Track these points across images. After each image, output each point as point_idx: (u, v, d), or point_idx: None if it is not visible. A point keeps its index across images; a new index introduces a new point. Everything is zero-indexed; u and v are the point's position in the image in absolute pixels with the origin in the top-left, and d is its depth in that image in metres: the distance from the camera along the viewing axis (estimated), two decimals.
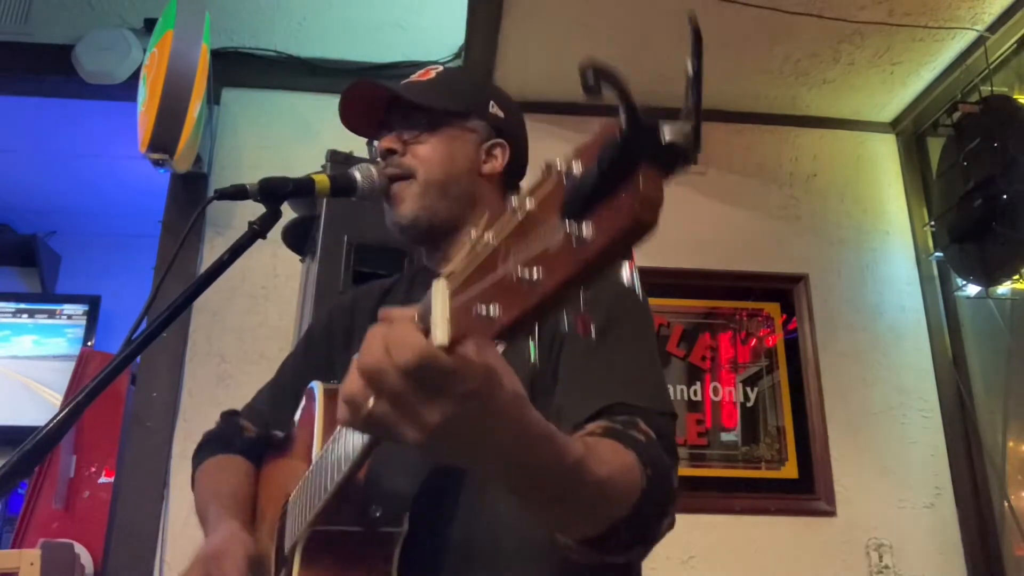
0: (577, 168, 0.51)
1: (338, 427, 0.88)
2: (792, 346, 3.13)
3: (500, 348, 0.64)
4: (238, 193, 1.07)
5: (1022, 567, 2.82)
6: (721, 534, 2.87)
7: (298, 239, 2.45)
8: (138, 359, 2.62)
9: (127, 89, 3.13)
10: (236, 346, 2.99)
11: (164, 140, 2.83)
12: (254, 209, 1.11)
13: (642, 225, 0.48)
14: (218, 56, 3.19)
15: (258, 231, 1.08)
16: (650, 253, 3.49)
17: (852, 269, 3.26)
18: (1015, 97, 2.81)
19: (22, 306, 4.36)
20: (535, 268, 0.52)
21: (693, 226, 3.24)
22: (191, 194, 3.18)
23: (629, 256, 0.51)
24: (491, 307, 0.55)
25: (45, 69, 3.30)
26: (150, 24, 3.15)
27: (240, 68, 3.33)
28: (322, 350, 1.36)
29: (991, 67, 2.87)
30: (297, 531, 1.01)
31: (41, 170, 4.46)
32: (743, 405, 3.05)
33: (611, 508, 0.84)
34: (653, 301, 3.10)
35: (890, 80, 3.17)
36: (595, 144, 0.50)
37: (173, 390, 2.93)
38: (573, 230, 0.49)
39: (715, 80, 3.20)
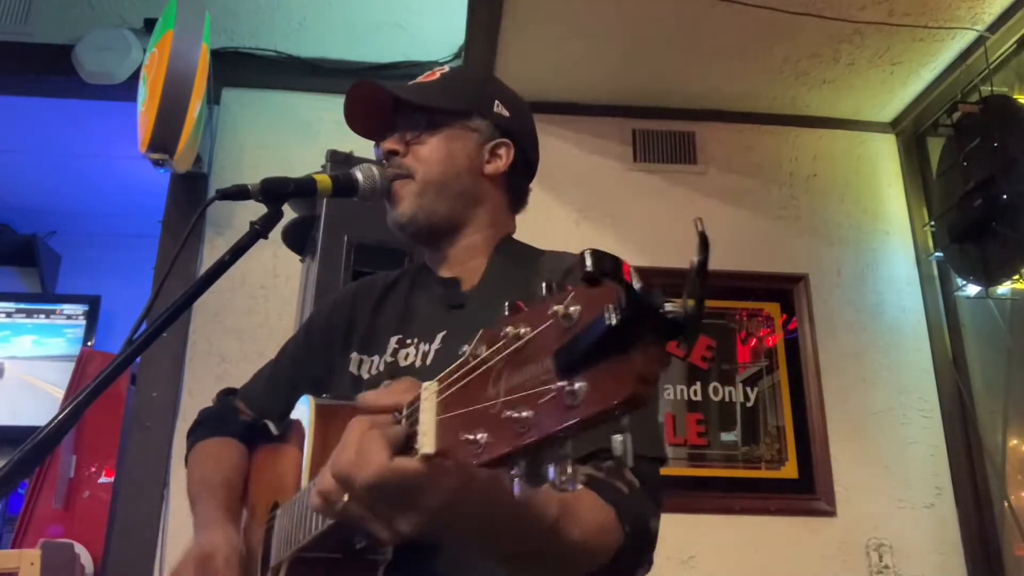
0: (575, 313, 0.51)
1: None
2: (792, 346, 3.13)
3: None
4: (239, 193, 1.07)
5: (1022, 567, 2.82)
6: (721, 534, 2.87)
7: (298, 239, 2.45)
8: (138, 359, 2.62)
9: (127, 89, 3.13)
10: (236, 346, 2.99)
11: (164, 140, 2.83)
12: (254, 209, 1.11)
13: (638, 401, 0.48)
14: (218, 56, 3.19)
15: (259, 231, 1.08)
16: (650, 253, 3.50)
17: (852, 269, 3.26)
18: (1015, 97, 2.81)
19: (22, 306, 4.36)
20: (525, 412, 0.53)
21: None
22: (191, 194, 3.18)
23: (621, 421, 0.51)
24: (478, 435, 0.56)
25: (45, 69, 3.30)
26: (150, 24, 3.15)
27: (240, 68, 3.33)
28: (322, 342, 1.35)
29: (991, 67, 2.87)
30: (282, 553, 1.02)
31: (41, 170, 4.46)
32: (743, 405, 3.05)
33: (586, 564, 0.85)
34: None
35: (890, 80, 3.16)
36: (596, 298, 0.50)
37: (173, 390, 2.93)
38: (566, 386, 0.50)
39: (715, 80, 3.20)
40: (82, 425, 3.17)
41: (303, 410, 1.11)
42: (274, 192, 1.09)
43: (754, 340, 3.14)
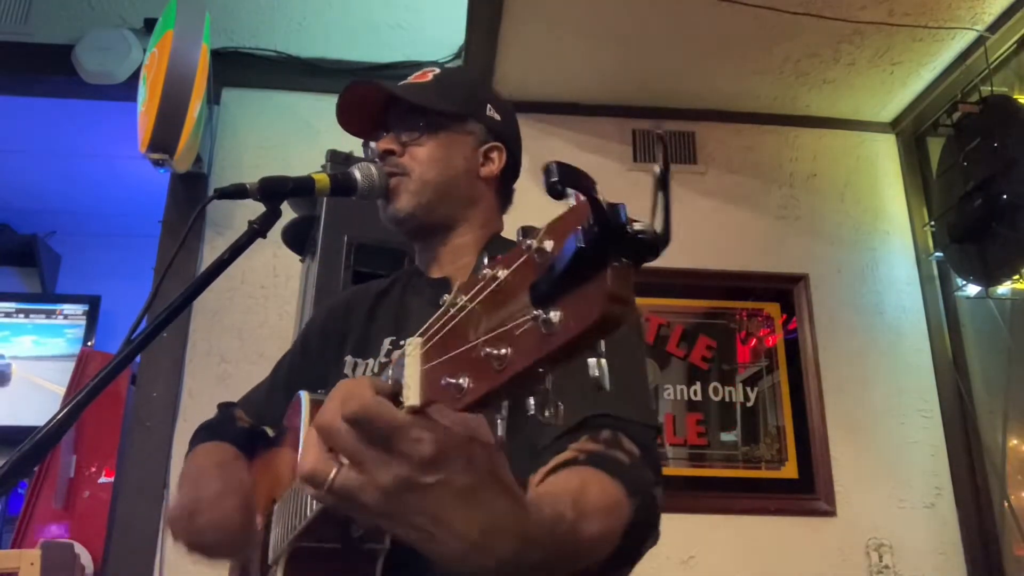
0: (548, 246, 0.51)
1: None
2: (792, 346, 3.13)
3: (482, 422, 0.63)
4: (238, 192, 1.07)
5: (1022, 567, 2.82)
6: (721, 534, 2.87)
7: (298, 239, 2.45)
8: (138, 359, 2.62)
9: (127, 89, 3.13)
10: (236, 346, 2.99)
11: (164, 140, 2.83)
12: (254, 209, 1.11)
13: (611, 321, 0.48)
14: (218, 56, 3.19)
15: (258, 230, 1.08)
16: None
17: (852, 269, 3.26)
18: (1015, 97, 2.81)
19: (22, 306, 4.36)
20: (503, 347, 0.52)
21: (693, 226, 3.24)
22: (191, 194, 3.18)
23: (597, 346, 0.51)
24: (460, 379, 0.55)
25: (45, 69, 3.30)
26: (150, 24, 3.15)
27: (240, 68, 3.33)
28: (318, 350, 1.36)
29: (991, 67, 2.87)
30: (280, 545, 1.01)
31: (41, 170, 4.46)
32: (743, 405, 3.05)
33: (600, 552, 0.83)
34: (653, 301, 3.10)
35: (890, 80, 3.16)
36: (565, 227, 0.50)
37: (173, 390, 2.93)
38: (541, 315, 0.50)
39: (715, 80, 3.20)
40: (82, 425, 3.17)
41: (299, 405, 1.11)
42: (272, 191, 1.09)
43: (754, 340, 3.14)
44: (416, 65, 3.21)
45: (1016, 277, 2.75)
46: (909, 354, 3.16)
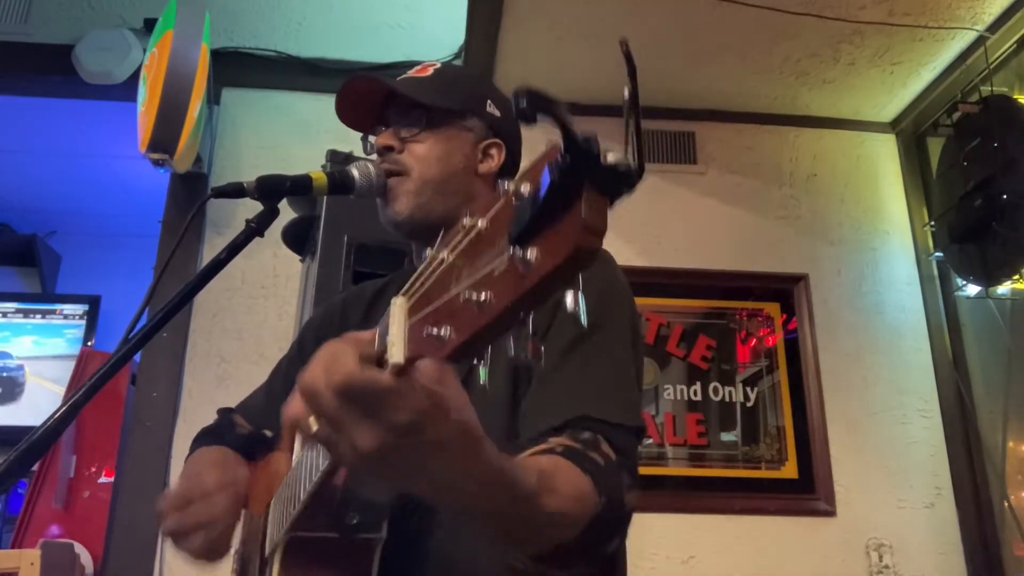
0: (526, 189, 0.51)
1: None
2: (792, 346, 3.13)
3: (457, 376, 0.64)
4: (235, 191, 1.07)
5: (1022, 567, 2.81)
6: (721, 534, 2.87)
7: (298, 239, 2.45)
8: (138, 359, 2.61)
9: (127, 89, 3.13)
10: (236, 346, 2.99)
11: (164, 140, 2.83)
12: (254, 208, 1.11)
13: (585, 252, 0.48)
14: (218, 56, 3.19)
15: (256, 229, 1.08)
16: (650, 253, 3.49)
17: (852, 269, 3.26)
18: (1015, 97, 2.81)
19: (22, 306, 4.36)
20: (483, 291, 0.52)
21: (693, 226, 3.24)
22: (191, 194, 3.18)
23: (576, 282, 0.51)
24: (442, 328, 0.55)
25: (45, 69, 3.30)
26: (150, 24, 3.15)
27: (240, 68, 3.33)
28: (313, 352, 1.35)
29: (991, 67, 2.87)
30: (277, 535, 1.01)
31: (41, 170, 4.46)
32: (743, 405, 3.05)
33: (559, 534, 0.84)
34: (653, 301, 3.10)
35: (890, 80, 3.16)
36: (540, 167, 0.50)
37: (173, 390, 2.93)
38: (518, 254, 0.49)
39: (715, 80, 3.20)
40: (82, 425, 3.17)
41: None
42: (270, 190, 1.09)
43: (754, 340, 3.14)
44: (416, 65, 3.20)
45: (1016, 277, 2.75)
46: (909, 354, 3.16)
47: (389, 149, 1.24)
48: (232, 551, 1.19)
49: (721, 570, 2.84)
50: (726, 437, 3.01)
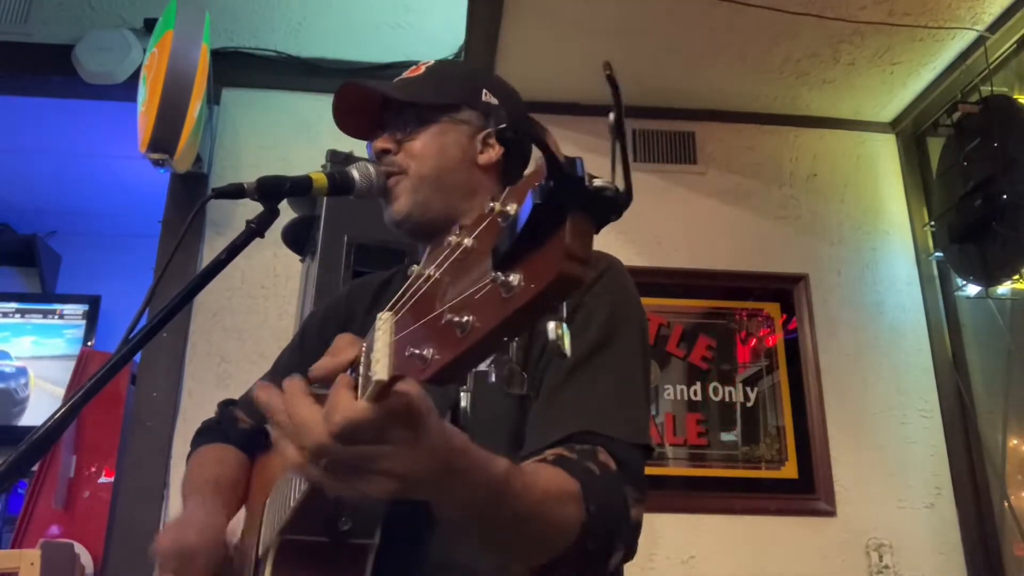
0: (511, 208, 0.50)
1: None
2: (792, 346, 3.13)
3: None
4: (235, 192, 1.07)
5: (1022, 567, 2.81)
6: (721, 534, 2.87)
7: (298, 239, 2.45)
8: (138, 359, 2.61)
9: (127, 89, 3.13)
10: (236, 346, 2.99)
11: (164, 140, 2.83)
12: (254, 208, 1.11)
13: (569, 280, 0.47)
14: (218, 56, 3.19)
15: (256, 230, 1.08)
16: (650, 253, 3.49)
17: (852, 269, 3.26)
18: (1015, 97, 2.81)
19: (22, 306, 4.36)
20: (465, 314, 0.51)
21: (693, 226, 3.24)
22: (191, 194, 3.18)
23: (559, 309, 0.50)
24: (425, 350, 0.54)
25: (45, 69, 3.30)
26: (150, 24, 3.15)
27: (240, 68, 3.33)
28: (317, 344, 1.35)
29: (991, 67, 2.87)
30: (269, 537, 1.01)
31: (41, 170, 4.46)
32: (743, 405, 3.05)
33: (547, 535, 0.83)
34: (653, 301, 3.10)
35: (890, 80, 3.16)
36: (526, 187, 0.49)
37: (173, 390, 2.93)
38: (500, 278, 0.48)
39: (715, 80, 3.20)
40: (82, 425, 3.17)
41: None
42: (270, 191, 1.08)
43: (754, 340, 3.14)
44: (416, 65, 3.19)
45: (1016, 277, 2.75)
46: (909, 354, 3.16)
47: (386, 152, 1.23)
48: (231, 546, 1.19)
49: (721, 570, 2.84)
50: (726, 437, 3.01)
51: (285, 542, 0.95)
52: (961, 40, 2.92)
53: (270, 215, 1.08)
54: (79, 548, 2.86)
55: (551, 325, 0.50)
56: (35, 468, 3.08)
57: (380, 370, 0.59)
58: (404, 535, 0.98)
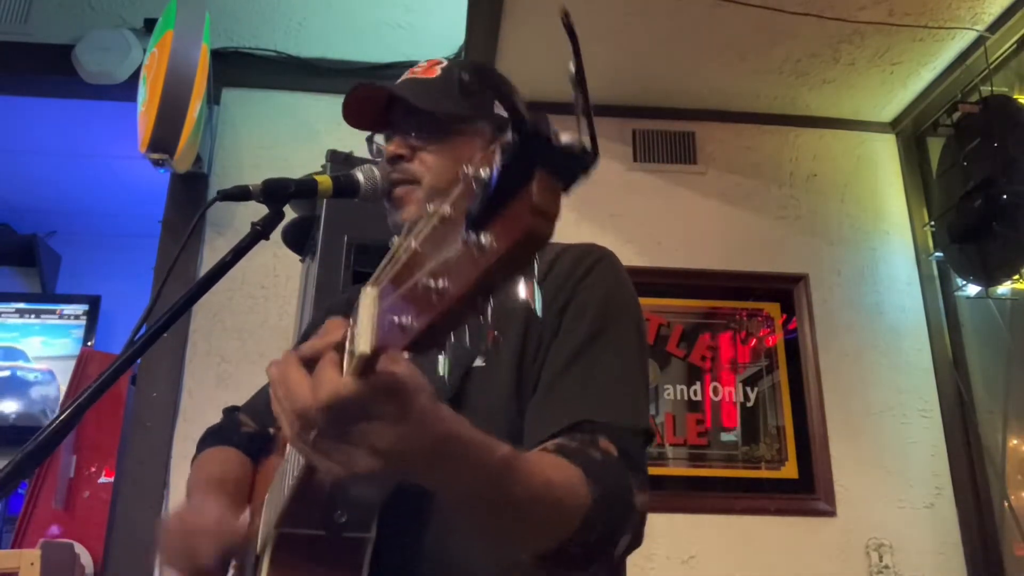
0: (484, 173, 0.50)
1: None
2: (792, 346, 3.13)
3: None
4: (241, 194, 1.07)
5: (1022, 567, 2.82)
6: (721, 534, 2.87)
7: (298, 239, 2.45)
8: (138, 359, 2.61)
9: (127, 89, 3.13)
10: (236, 346, 2.99)
11: (164, 140, 2.83)
12: (254, 209, 1.11)
13: (536, 236, 0.47)
14: (218, 56, 3.19)
15: (261, 232, 1.08)
16: (650, 253, 3.49)
17: (852, 269, 3.26)
18: (1015, 97, 2.81)
19: (23, 306, 4.36)
20: (440, 278, 0.52)
21: (693, 226, 3.24)
22: (191, 194, 3.18)
23: (531, 267, 0.50)
24: (405, 317, 0.55)
25: (45, 69, 3.30)
26: (150, 24, 3.15)
27: (240, 68, 3.33)
28: None
29: (991, 67, 2.87)
30: (267, 532, 1.01)
31: (41, 170, 4.46)
32: (743, 405, 3.05)
33: (551, 521, 0.83)
34: (653, 301, 3.10)
35: (890, 80, 3.17)
36: (495, 150, 0.50)
37: (173, 390, 2.93)
38: (473, 239, 0.49)
39: (715, 80, 3.20)
40: (82, 425, 3.17)
41: None
42: (275, 193, 1.09)
43: (754, 340, 3.14)
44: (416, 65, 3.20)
45: (1016, 277, 2.75)
46: (909, 354, 3.17)
47: (400, 158, 1.20)
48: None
49: (721, 570, 2.84)
50: (726, 437, 3.01)
51: (282, 536, 0.94)
52: (961, 40, 2.93)
53: (275, 217, 1.08)
54: (79, 548, 2.86)
55: (521, 284, 0.51)
56: (36, 469, 3.07)
57: (363, 343, 0.59)
58: (401, 530, 0.98)
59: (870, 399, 3.09)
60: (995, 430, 2.98)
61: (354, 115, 1.27)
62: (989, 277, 2.83)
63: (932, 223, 3.20)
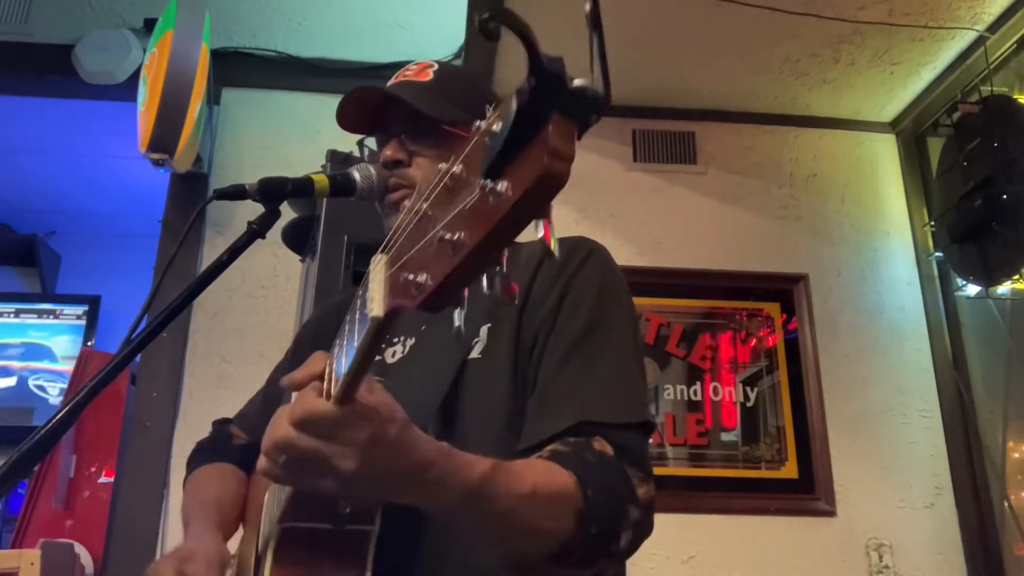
0: (496, 126, 0.50)
1: None
2: (792, 346, 3.13)
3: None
4: (237, 193, 1.07)
5: (1022, 567, 2.82)
6: (721, 534, 2.87)
7: (298, 239, 2.45)
8: (138, 359, 2.61)
9: (127, 89, 3.13)
10: (236, 346, 2.99)
11: (164, 140, 2.83)
12: (254, 209, 1.11)
13: (553, 177, 0.47)
14: (218, 56, 3.19)
15: (257, 231, 1.08)
16: (650, 253, 3.49)
17: (852, 269, 3.26)
18: (1015, 97, 2.81)
19: (22, 306, 4.36)
20: (456, 231, 0.52)
21: (693, 226, 3.24)
22: (191, 194, 3.18)
23: (545, 212, 0.50)
24: (419, 275, 0.55)
25: (45, 69, 3.29)
26: (150, 24, 3.15)
27: (240, 68, 3.33)
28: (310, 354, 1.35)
29: (991, 67, 2.87)
30: (269, 529, 1.00)
31: (41, 170, 4.46)
32: (743, 405, 3.05)
33: (537, 527, 0.86)
34: (653, 301, 3.10)
35: (890, 80, 3.16)
36: (509, 102, 0.50)
37: (173, 390, 2.93)
38: (488, 186, 0.49)
39: (715, 80, 3.20)
40: (82, 425, 3.17)
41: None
42: (272, 192, 1.09)
43: (754, 340, 3.14)
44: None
45: (1016, 277, 2.75)
46: (909, 354, 3.16)
47: (398, 163, 1.19)
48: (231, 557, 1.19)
49: (721, 570, 2.84)
50: (726, 437, 3.01)
51: (285, 530, 0.94)
52: (961, 40, 2.93)
53: (271, 216, 1.08)
54: (79, 548, 2.86)
55: (535, 223, 0.51)
56: (35, 468, 3.07)
57: (375, 307, 0.59)
58: (404, 524, 0.98)
59: (870, 399, 3.08)
60: (995, 430, 2.98)
61: (348, 117, 1.26)
62: (989, 277, 2.83)
63: (932, 223, 3.20)
